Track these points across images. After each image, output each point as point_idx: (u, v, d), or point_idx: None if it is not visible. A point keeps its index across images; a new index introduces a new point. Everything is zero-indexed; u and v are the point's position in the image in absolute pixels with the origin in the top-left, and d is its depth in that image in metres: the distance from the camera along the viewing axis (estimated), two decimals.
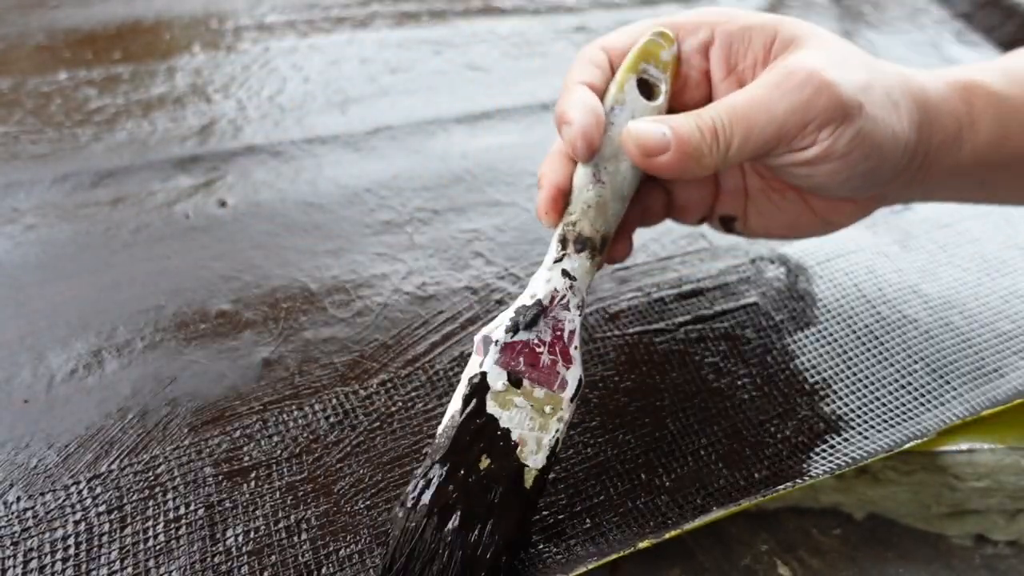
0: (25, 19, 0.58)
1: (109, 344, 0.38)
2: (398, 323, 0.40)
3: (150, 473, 0.33)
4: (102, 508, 0.32)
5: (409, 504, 0.29)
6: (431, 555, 0.28)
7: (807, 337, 0.40)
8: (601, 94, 0.32)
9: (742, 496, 0.34)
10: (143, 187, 0.46)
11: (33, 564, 0.30)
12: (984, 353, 0.40)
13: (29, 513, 0.32)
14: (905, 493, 0.36)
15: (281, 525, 0.32)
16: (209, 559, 0.31)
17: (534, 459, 0.30)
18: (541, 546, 0.32)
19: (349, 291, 0.41)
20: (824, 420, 0.37)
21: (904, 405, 0.37)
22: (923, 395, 0.38)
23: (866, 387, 0.38)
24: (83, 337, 0.38)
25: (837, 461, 0.35)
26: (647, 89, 0.33)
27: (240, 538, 0.31)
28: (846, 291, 0.42)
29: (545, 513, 0.33)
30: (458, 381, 0.37)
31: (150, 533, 0.31)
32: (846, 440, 0.36)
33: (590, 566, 0.31)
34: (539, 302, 0.31)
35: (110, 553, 0.31)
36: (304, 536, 0.32)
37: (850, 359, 0.39)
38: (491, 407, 0.30)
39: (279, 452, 0.34)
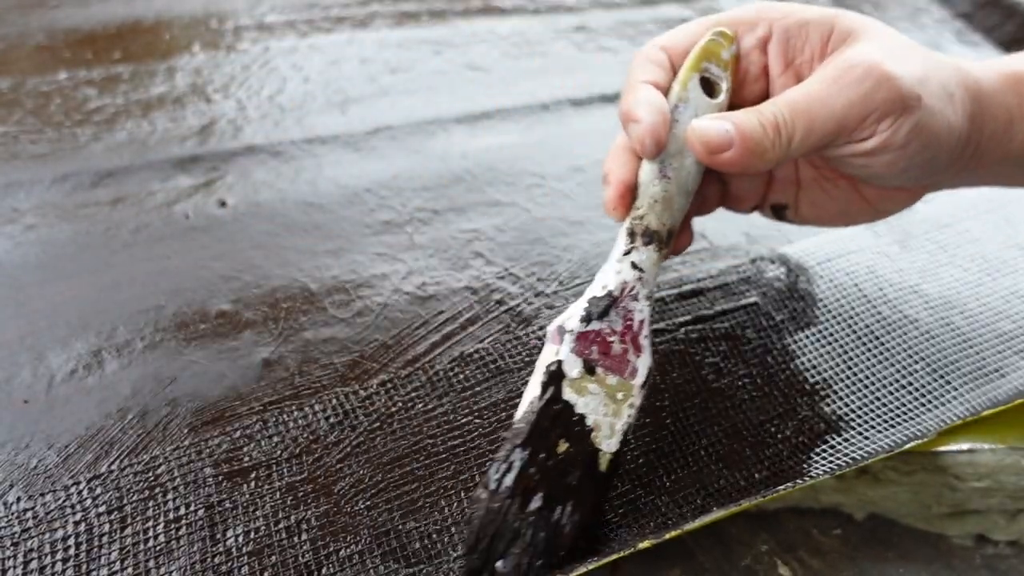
0: (25, 19, 0.58)
1: (109, 344, 0.38)
2: (398, 323, 0.40)
3: (150, 473, 0.33)
4: (102, 509, 0.32)
5: (492, 486, 0.30)
6: (514, 535, 0.29)
7: (807, 337, 0.40)
8: (664, 92, 0.33)
9: (742, 496, 0.34)
10: (143, 187, 0.46)
11: (33, 564, 0.30)
12: (985, 353, 0.40)
13: (29, 514, 0.32)
14: (905, 493, 0.36)
15: (281, 525, 0.32)
16: (209, 559, 0.31)
17: (608, 443, 0.31)
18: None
19: (349, 291, 0.41)
20: (824, 420, 0.37)
21: (904, 405, 0.37)
22: (924, 395, 0.38)
23: (866, 387, 0.38)
24: (83, 337, 0.38)
25: (837, 461, 0.35)
26: (708, 87, 0.34)
27: (240, 538, 0.31)
28: (847, 291, 0.42)
29: None
30: (458, 381, 0.37)
31: (150, 534, 0.31)
32: (846, 440, 0.36)
33: (590, 566, 0.31)
34: (610, 293, 0.32)
35: (110, 554, 0.31)
36: (304, 536, 0.32)
37: (850, 359, 0.39)
38: (567, 394, 0.31)
39: (279, 452, 0.34)
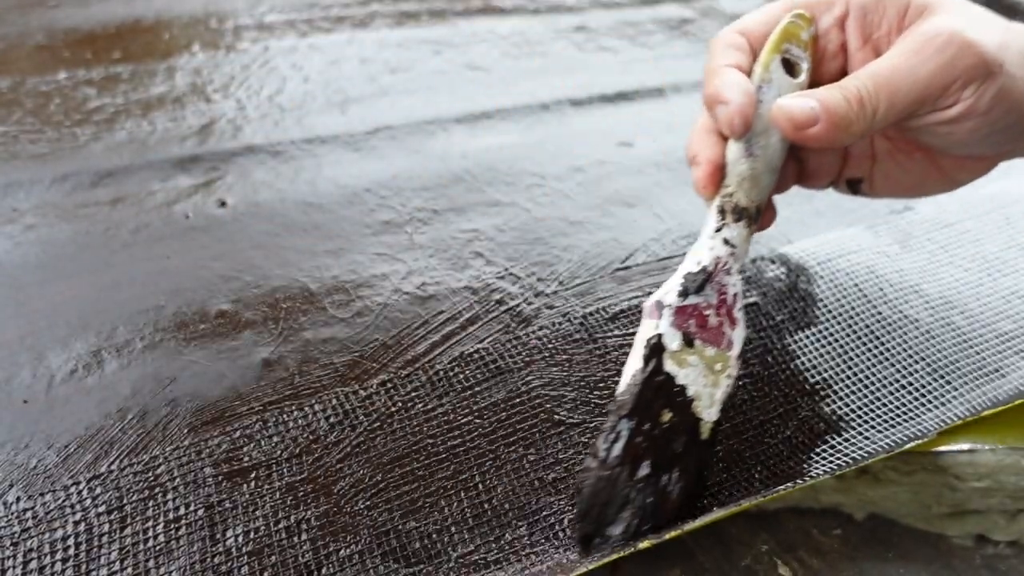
0: (24, 19, 0.58)
1: (109, 344, 0.38)
2: (398, 323, 0.40)
3: (150, 473, 0.33)
4: (102, 508, 0.32)
5: (602, 456, 0.31)
6: (624, 501, 0.31)
7: (807, 337, 0.40)
8: (746, 75, 0.34)
9: (742, 496, 0.34)
10: (143, 187, 0.46)
11: (33, 564, 0.30)
12: (985, 353, 0.40)
13: (29, 513, 0.32)
14: (906, 493, 0.36)
15: (281, 525, 0.32)
16: (209, 559, 0.31)
17: (708, 412, 0.32)
18: (541, 546, 0.32)
19: (349, 291, 0.41)
20: (824, 420, 0.37)
21: (905, 405, 0.37)
22: (924, 395, 0.38)
23: (867, 387, 0.38)
24: (83, 337, 0.38)
25: (837, 461, 0.35)
26: (789, 67, 0.35)
27: (240, 538, 0.31)
28: (847, 291, 0.42)
29: (545, 513, 0.33)
30: (458, 381, 0.37)
31: (150, 533, 0.31)
32: (846, 440, 0.36)
33: (590, 566, 0.31)
34: (705, 268, 0.33)
35: (110, 553, 0.31)
36: (304, 536, 0.32)
37: (851, 359, 0.39)
38: (668, 366, 0.32)
39: (279, 452, 0.34)
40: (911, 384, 0.38)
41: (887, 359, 0.39)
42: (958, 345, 0.40)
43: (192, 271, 0.42)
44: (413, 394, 0.36)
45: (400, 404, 0.36)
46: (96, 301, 0.40)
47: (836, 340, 0.40)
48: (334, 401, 0.36)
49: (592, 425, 0.36)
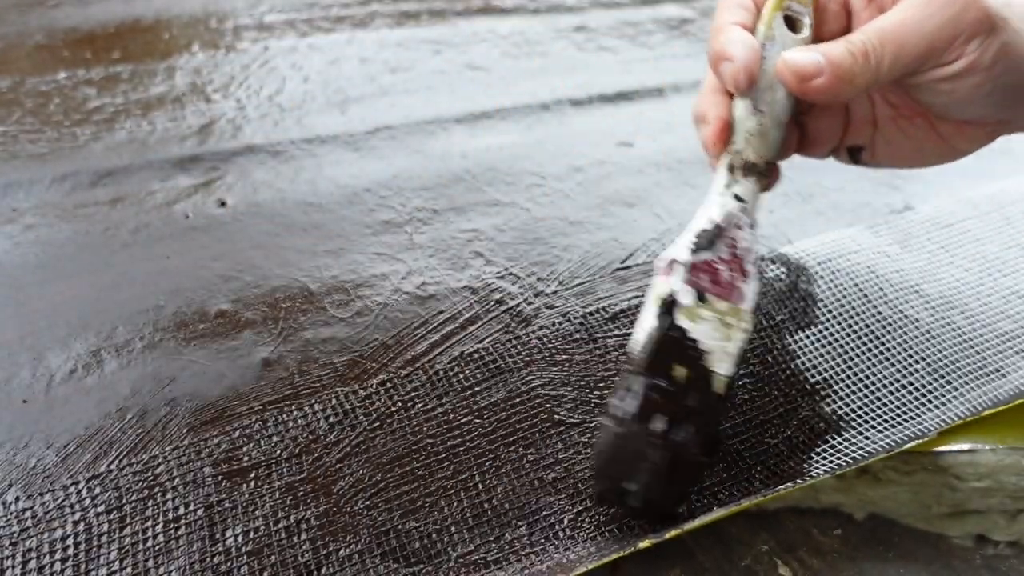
0: (24, 18, 0.58)
1: (108, 344, 0.38)
2: (398, 323, 0.40)
3: (149, 473, 0.33)
4: (101, 508, 0.32)
5: (616, 412, 0.31)
6: (640, 456, 0.31)
7: (808, 337, 0.40)
8: (751, 32, 0.34)
9: (742, 496, 0.34)
10: (142, 187, 0.46)
11: (32, 564, 0.30)
12: (985, 353, 0.40)
13: (28, 513, 0.32)
14: (906, 493, 0.36)
15: (281, 525, 0.32)
16: (208, 559, 0.31)
17: (722, 366, 0.32)
18: (541, 546, 0.32)
19: (349, 291, 0.41)
20: (825, 420, 0.37)
21: (905, 405, 0.37)
22: (924, 395, 0.38)
23: (867, 387, 0.38)
24: (82, 337, 0.38)
25: (838, 461, 0.35)
26: (791, 24, 0.35)
27: (240, 538, 0.31)
28: (847, 291, 0.42)
29: (545, 513, 0.33)
30: (458, 381, 0.37)
31: (149, 533, 0.31)
32: (847, 440, 0.36)
33: (590, 566, 0.31)
34: (716, 224, 0.33)
35: (109, 553, 0.31)
36: (304, 536, 0.32)
37: (851, 359, 0.39)
38: (682, 321, 0.32)
39: (279, 452, 0.34)
40: (911, 384, 0.38)
41: (887, 359, 0.39)
42: (958, 345, 0.40)
43: (192, 271, 0.42)
44: (413, 394, 0.36)
45: (400, 404, 0.36)
46: (96, 301, 0.40)
47: (836, 340, 0.40)
48: (334, 401, 0.36)
49: (592, 425, 0.36)
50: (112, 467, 0.33)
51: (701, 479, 0.34)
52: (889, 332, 0.40)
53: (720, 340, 0.33)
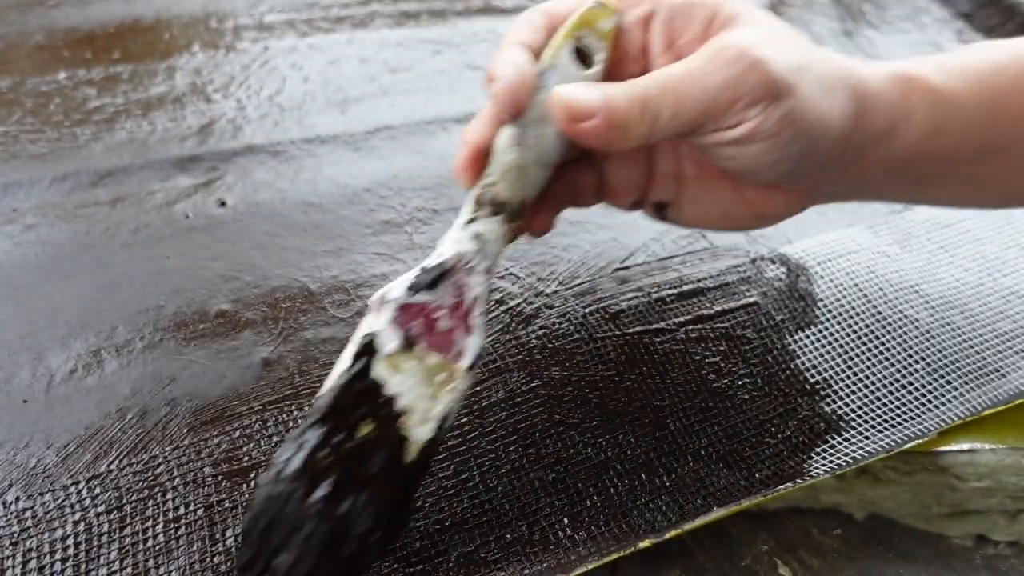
0: (24, 18, 0.58)
1: (108, 344, 0.38)
2: None
3: (149, 473, 0.33)
4: (101, 508, 0.32)
5: (278, 467, 0.27)
6: (294, 525, 0.26)
7: (808, 337, 0.40)
8: (537, 57, 0.32)
9: (742, 496, 0.34)
10: (143, 187, 0.46)
11: (32, 564, 0.30)
12: (985, 353, 0.40)
13: (28, 513, 0.32)
14: (906, 493, 0.36)
15: None
16: (209, 559, 0.31)
17: (420, 430, 0.28)
18: (541, 546, 0.32)
19: (349, 291, 0.41)
20: (824, 420, 0.37)
21: (905, 405, 0.37)
22: (924, 395, 0.38)
23: (867, 387, 0.38)
24: (83, 337, 0.38)
25: (837, 461, 0.35)
26: (583, 57, 0.32)
27: (240, 538, 0.31)
28: (847, 291, 0.42)
29: (547, 511, 0.33)
30: None
31: (149, 533, 0.31)
32: (846, 440, 0.36)
33: (590, 566, 0.31)
34: (443, 263, 0.30)
35: (109, 553, 0.31)
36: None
37: (851, 359, 0.39)
38: (379, 369, 0.28)
39: None
40: (911, 384, 0.38)
41: (887, 359, 0.39)
42: (958, 345, 0.40)
43: (192, 271, 0.42)
44: None
45: None
46: (96, 301, 0.40)
47: (836, 340, 0.40)
48: None
49: (592, 425, 0.36)
50: (112, 467, 0.33)
51: (373, 561, 0.28)
52: (889, 332, 0.40)
53: (423, 399, 0.28)
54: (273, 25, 0.60)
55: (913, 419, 0.37)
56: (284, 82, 0.54)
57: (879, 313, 0.41)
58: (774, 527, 0.34)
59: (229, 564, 0.31)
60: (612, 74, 0.33)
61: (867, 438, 0.36)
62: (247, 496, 0.33)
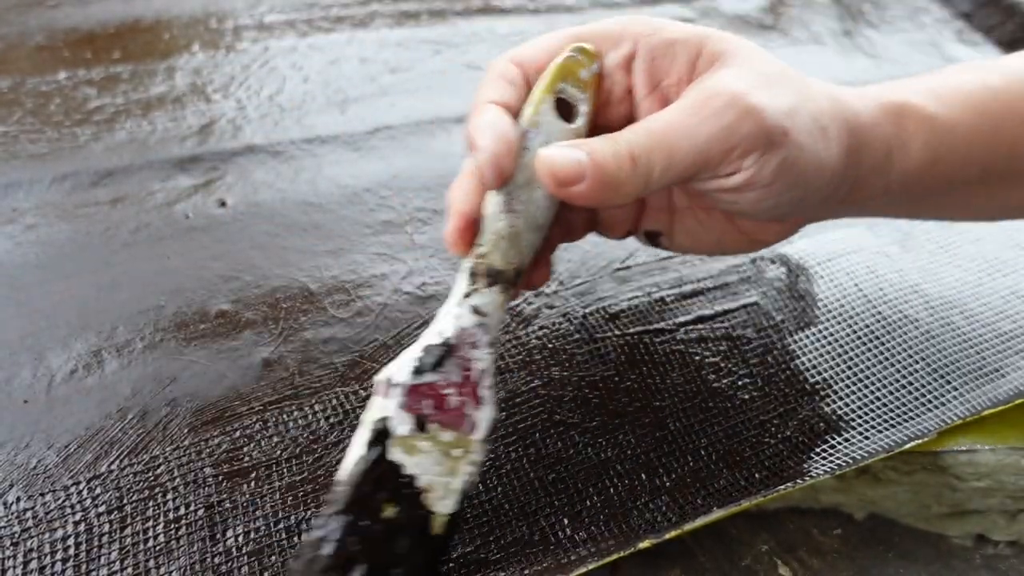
0: (24, 19, 0.58)
1: (109, 344, 0.38)
2: (398, 323, 0.40)
3: (150, 473, 0.33)
4: (102, 508, 0.32)
5: (307, 558, 0.27)
6: None
7: (808, 337, 0.40)
8: (515, 113, 0.30)
9: (742, 496, 0.34)
10: (143, 187, 0.46)
11: (33, 564, 0.30)
12: (985, 353, 0.40)
13: (29, 514, 0.32)
14: (905, 493, 0.36)
15: (281, 526, 0.32)
16: (209, 560, 0.31)
17: (443, 504, 0.28)
18: (541, 546, 0.32)
19: (349, 291, 0.41)
20: (825, 420, 0.37)
21: (905, 405, 0.37)
22: (924, 395, 0.38)
23: (867, 387, 0.38)
24: (83, 337, 0.38)
25: (838, 461, 0.35)
26: (566, 109, 0.31)
27: (240, 539, 0.31)
28: (847, 291, 0.42)
29: (547, 511, 0.33)
30: None
31: (150, 534, 0.31)
32: (847, 440, 0.36)
33: (590, 566, 0.31)
34: (447, 342, 0.29)
35: (110, 554, 0.31)
36: (304, 537, 0.32)
37: (851, 359, 0.39)
38: (394, 453, 0.28)
39: (279, 452, 0.34)
40: (911, 384, 0.38)
41: (887, 359, 0.39)
42: (958, 345, 0.40)
43: (192, 271, 0.42)
44: None
45: None
46: (96, 301, 0.40)
47: (836, 340, 0.40)
48: (334, 401, 0.36)
49: (592, 425, 0.36)
50: (113, 467, 0.33)
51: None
52: (889, 332, 0.40)
53: (442, 475, 0.28)
54: (273, 25, 0.60)
55: (913, 419, 0.37)
56: (284, 82, 0.54)
57: (879, 313, 0.41)
58: (774, 527, 0.34)
59: (229, 564, 0.31)
60: (597, 117, 0.32)
61: (867, 438, 0.36)
62: (247, 496, 0.33)
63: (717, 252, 0.36)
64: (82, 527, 0.31)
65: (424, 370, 0.29)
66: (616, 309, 0.41)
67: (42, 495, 0.32)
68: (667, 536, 0.31)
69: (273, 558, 0.31)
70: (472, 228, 0.30)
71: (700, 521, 0.32)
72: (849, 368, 0.39)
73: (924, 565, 0.34)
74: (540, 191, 0.30)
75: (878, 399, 0.38)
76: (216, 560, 0.31)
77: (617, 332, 0.40)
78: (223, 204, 0.46)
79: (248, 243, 0.43)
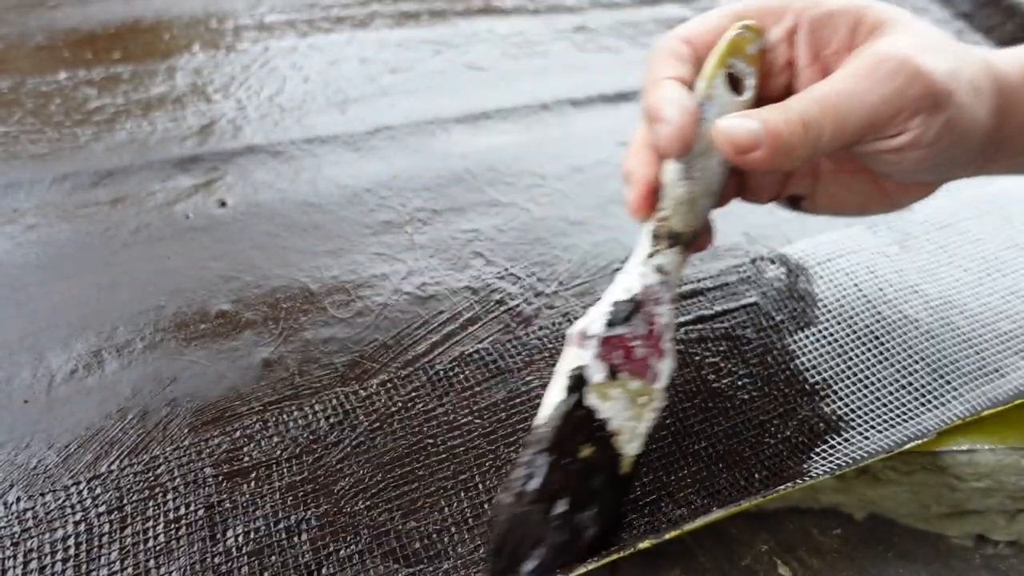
0: (24, 19, 0.58)
1: (109, 344, 0.38)
2: (398, 323, 0.40)
3: (150, 474, 0.33)
4: (102, 509, 0.32)
5: (517, 491, 0.30)
6: (538, 539, 0.30)
7: (807, 337, 0.40)
8: (688, 88, 0.32)
9: (742, 496, 0.34)
10: (143, 187, 0.46)
11: (33, 564, 0.30)
12: (985, 353, 0.40)
13: (29, 514, 0.32)
14: (905, 493, 0.36)
15: (281, 526, 0.32)
16: (209, 560, 0.31)
17: (630, 447, 0.31)
18: None
19: (349, 291, 0.41)
20: (824, 420, 0.37)
21: (904, 405, 0.37)
22: (924, 395, 0.38)
23: (866, 387, 0.38)
24: (83, 337, 0.38)
25: (837, 461, 0.35)
26: (734, 83, 0.33)
27: (240, 539, 0.31)
28: (846, 291, 0.42)
29: None
30: (458, 381, 0.37)
31: (150, 534, 0.31)
32: (846, 440, 0.36)
33: (590, 566, 0.31)
34: (634, 298, 0.32)
35: (110, 554, 0.31)
36: (304, 537, 0.32)
37: (850, 359, 0.39)
38: (590, 399, 0.31)
39: (279, 452, 0.34)
40: (911, 384, 0.38)
41: (887, 359, 0.39)
42: (958, 345, 0.40)
43: (192, 271, 0.42)
44: (413, 394, 0.36)
45: (400, 404, 0.36)
46: (96, 301, 0.40)
47: (836, 340, 0.40)
48: (334, 401, 0.36)
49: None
50: (113, 467, 0.33)
51: (600, 554, 0.32)
52: (889, 332, 0.40)
53: (630, 420, 0.31)
54: (273, 25, 0.60)
55: (913, 419, 0.37)
56: (284, 82, 0.55)
57: (879, 313, 0.41)
58: (774, 527, 0.34)
59: (229, 564, 0.31)
60: (761, 89, 0.33)
61: (867, 438, 0.36)
62: (247, 496, 0.33)
63: (857, 214, 0.38)
64: (82, 527, 0.31)
65: (616, 323, 0.31)
66: None
67: (42, 495, 0.32)
68: (667, 536, 0.31)
69: (273, 558, 0.31)
70: (653, 194, 0.32)
71: (700, 521, 0.32)
72: (849, 368, 0.39)
73: (924, 565, 0.34)
74: (715, 159, 0.32)
75: (878, 399, 0.38)
76: (216, 560, 0.31)
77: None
78: (223, 204, 0.46)
79: (248, 243, 0.43)
